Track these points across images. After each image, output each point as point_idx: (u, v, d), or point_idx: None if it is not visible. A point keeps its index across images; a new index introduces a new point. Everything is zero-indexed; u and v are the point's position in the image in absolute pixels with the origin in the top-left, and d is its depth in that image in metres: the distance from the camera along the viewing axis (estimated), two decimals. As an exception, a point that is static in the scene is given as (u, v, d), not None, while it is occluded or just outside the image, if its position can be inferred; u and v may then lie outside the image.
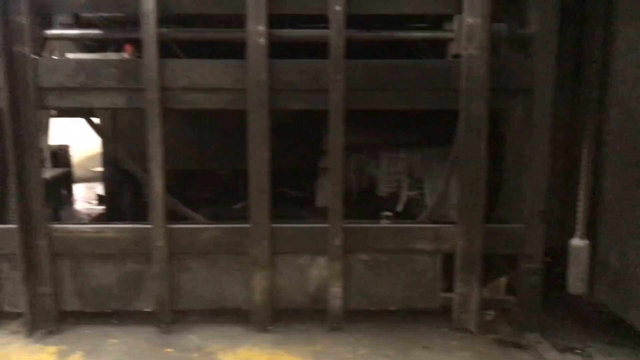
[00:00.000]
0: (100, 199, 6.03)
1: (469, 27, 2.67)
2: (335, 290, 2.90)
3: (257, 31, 2.66)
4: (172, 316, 2.95)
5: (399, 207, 3.81)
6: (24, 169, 2.75)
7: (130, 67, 2.75)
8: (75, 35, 2.87)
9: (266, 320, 2.94)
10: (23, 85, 2.69)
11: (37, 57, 2.71)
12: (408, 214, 3.86)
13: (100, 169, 8.38)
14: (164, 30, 2.73)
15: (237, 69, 2.74)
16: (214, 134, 4.39)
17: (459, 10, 2.69)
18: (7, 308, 2.97)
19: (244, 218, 3.08)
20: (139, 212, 4.65)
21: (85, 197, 6.46)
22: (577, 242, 2.78)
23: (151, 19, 2.64)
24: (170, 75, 2.74)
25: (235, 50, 3.00)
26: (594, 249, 2.79)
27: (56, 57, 2.82)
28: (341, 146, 2.78)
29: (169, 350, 2.79)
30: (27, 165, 2.75)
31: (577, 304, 3.26)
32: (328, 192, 4.11)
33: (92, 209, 5.85)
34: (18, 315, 3.02)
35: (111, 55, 2.93)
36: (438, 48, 3.36)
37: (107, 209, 4.83)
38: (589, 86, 2.74)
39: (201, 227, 2.91)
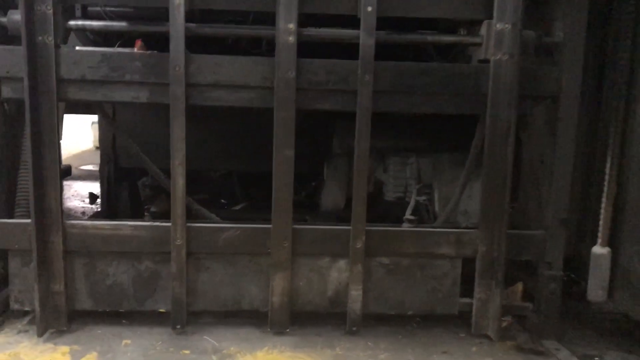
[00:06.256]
0: (92, 198, 5.94)
1: (498, 33, 2.68)
2: (355, 294, 2.86)
3: (287, 29, 2.62)
4: (187, 317, 2.88)
5: (408, 213, 3.80)
6: (42, 162, 2.67)
7: (155, 62, 2.69)
8: (100, 27, 2.78)
9: (284, 323, 2.88)
10: (45, 76, 2.61)
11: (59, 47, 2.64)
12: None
13: (87, 167, 8.27)
14: (192, 25, 2.68)
15: (265, 66, 2.70)
16: (212, 134, 4.34)
17: (490, 16, 2.69)
18: (15, 306, 2.86)
19: (244, 220, 3.05)
20: (136, 212, 4.58)
21: (74, 194, 6.35)
22: (599, 249, 2.79)
23: (180, 12, 2.59)
24: (197, 71, 2.68)
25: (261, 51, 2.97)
26: (614, 256, 2.81)
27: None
28: (367, 148, 2.75)
29: (185, 352, 2.72)
30: (45, 159, 2.67)
31: (594, 313, 3.28)
32: (337, 195, 4.19)
33: (85, 206, 5.74)
34: (25, 313, 2.93)
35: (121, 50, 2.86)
36: (445, 53, 3.41)
37: (103, 208, 4.75)
38: (615, 93, 2.76)
39: (221, 227, 2.84)
